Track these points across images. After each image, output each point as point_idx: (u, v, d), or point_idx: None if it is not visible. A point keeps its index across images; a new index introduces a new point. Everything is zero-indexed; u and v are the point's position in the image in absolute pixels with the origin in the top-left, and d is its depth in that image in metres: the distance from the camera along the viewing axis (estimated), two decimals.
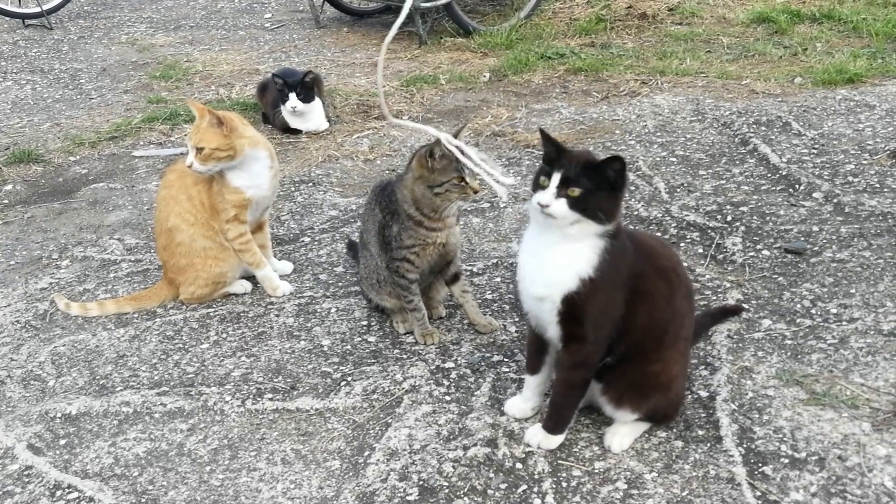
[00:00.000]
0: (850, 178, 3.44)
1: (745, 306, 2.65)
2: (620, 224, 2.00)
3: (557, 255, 1.97)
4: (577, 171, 1.92)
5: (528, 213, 2.04)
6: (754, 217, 3.20)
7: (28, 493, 2.13)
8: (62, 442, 2.31)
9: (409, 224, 2.49)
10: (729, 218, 3.21)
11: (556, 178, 1.92)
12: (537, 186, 1.97)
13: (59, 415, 2.41)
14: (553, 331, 2.04)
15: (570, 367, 2.06)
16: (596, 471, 2.06)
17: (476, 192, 2.45)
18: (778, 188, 3.43)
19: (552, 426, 2.13)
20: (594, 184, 1.92)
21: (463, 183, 2.41)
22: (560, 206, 1.91)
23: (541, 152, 3.99)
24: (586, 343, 2.01)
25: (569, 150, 1.98)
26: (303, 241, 3.36)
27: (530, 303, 2.06)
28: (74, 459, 2.24)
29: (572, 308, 1.97)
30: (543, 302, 2.01)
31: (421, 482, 2.07)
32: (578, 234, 1.94)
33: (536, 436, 2.15)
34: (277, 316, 2.85)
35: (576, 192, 1.91)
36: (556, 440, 2.14)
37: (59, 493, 2.12)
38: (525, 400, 2.26)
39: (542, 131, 2.02)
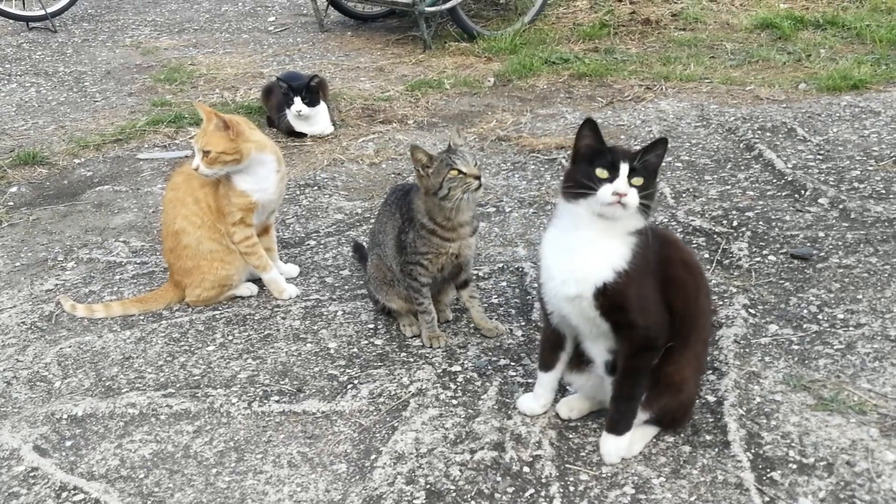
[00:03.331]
0: (855, 184, 3.44)
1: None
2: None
3: (590, 254, 1.93)
4: (638, 161, 1.89)
5: (560, 212, 1.99)
6: (760, 222, 3.20)
7: (34, 495, 2.12)
8: (68, 443, 2.31)
9: (423, 233, 2.50)
10: (735, 223, 3.21)
11: (625, 168, 1.87)
12: (594, 180, 1.88)
13: (64, 416, 2.41)
14: (598, 325, 1.99)
15: (631, 355, 1.99)
16: (603, 475, 2.06)
17: (478, 178, 2.40)
18: (783, 194, 3.43)
19: (618, 425, 2.06)
20: (648, 173, 1.90)
21: (460, 174, 2.40)
22: (634, 197, 1.86)
23: (545, 156, 4.02)
24: (638, 329, 1.96)
25: (611, 145, 1.96)
26: (308, 244, 3.36)
27: (560, 303, 2.02)
28: (80, 461, 2.24)
29: (610, 299, 1.93)
30: (579, 300, 1.96)
31: (428, 486, 2.06)
32: (617, 230, 1.91)
33: (610, 445, 2.07)
34: (284, 319, 2.85)
35: (640, 181, 1.88)
36: (626, 441, 2.07)
37: (64, 494, 2.12)
38: (536, 397, 2.27)
39: (589, 119, 1.94)
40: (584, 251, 1.94)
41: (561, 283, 1.98)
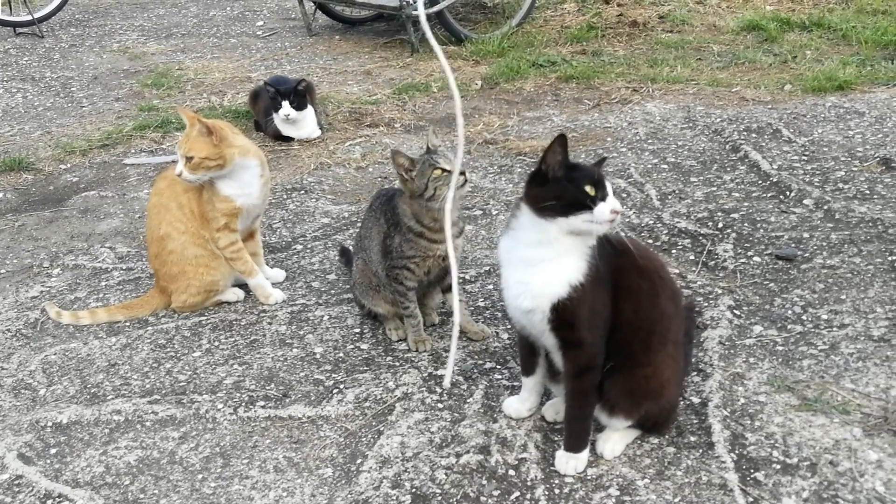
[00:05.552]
0: (840, 185, 3.46)
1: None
2: None
3: (549, 267, 1.95)
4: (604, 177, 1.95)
5: (524, 224, 1.97)
6: (745, 224, 3.21)
7: (18, 503, 2.11)
8: (53, 451, 2.30)
9: (410, 236, 2.50)
10: (720, 225, 3.22)
11: (610, 186, 1.91)
12: (586, 199, 1.87)
13: (49, 424, 2.40)
14: (547, 339, 2.03)
15: (576, 375, 2.02)
16: (588, 477, 2.06)
17: (463, 174, 2.39)
18: (769, 195, 3.45)
19: (574, 444, 2.07)
20: None
21: (445, 172, 2.40)
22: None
23: (532, 160, 4.02)
24: (584, 346, 1.98)
25: (576, 162, 2.00)
26: (295, 248, 3.36)
27: (518, 314, 2.05)
28: (65, 468, 2.23)
29: (563, 315, 1.95)
30: (532, 313, 1.99)
31: (414, 490, 2.06)
32: (581, 246, 1.93)
33: (563, 461, 2.08)
34: (270, 324, 2.84)
35: None
36: (584, 457, 2.08)
37: (49, 502, 2.11)
38: (522, 400, 2.27)
39: (562, 135, 1.92)
40: (543, 266, 1.95)
41: (516, 295, 2.00)
